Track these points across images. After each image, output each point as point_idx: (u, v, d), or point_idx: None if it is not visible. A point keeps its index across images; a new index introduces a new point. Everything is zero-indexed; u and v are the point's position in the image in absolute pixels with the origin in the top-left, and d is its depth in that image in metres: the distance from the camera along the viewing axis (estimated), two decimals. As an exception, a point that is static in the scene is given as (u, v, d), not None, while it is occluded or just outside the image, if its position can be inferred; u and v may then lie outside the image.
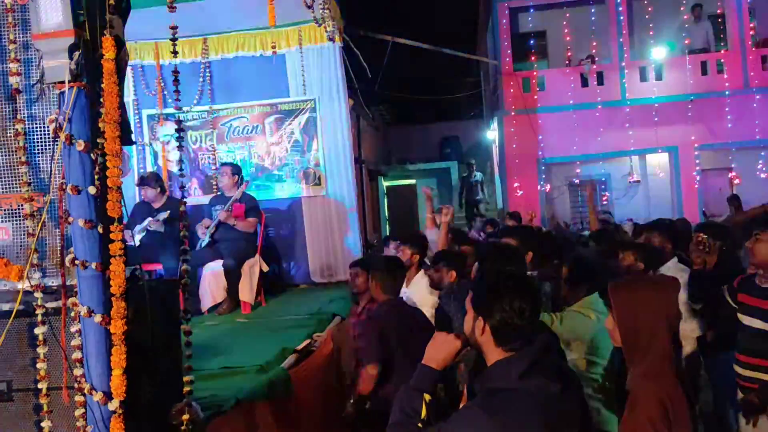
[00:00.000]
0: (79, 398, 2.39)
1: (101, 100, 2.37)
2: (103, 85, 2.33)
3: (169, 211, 6.39)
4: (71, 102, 2.29)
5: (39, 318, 2.41)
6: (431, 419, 2.02)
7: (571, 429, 1.96)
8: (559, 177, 16.01)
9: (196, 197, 8.00)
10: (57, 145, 2.36)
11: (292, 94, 8.06)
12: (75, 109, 2.31)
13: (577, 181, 15.62)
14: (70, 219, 2.34)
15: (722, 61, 14.80)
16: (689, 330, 4.38)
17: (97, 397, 2.28)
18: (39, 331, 2.40)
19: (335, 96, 7.92)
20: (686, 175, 14.81)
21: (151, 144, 8.22)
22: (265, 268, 6.71)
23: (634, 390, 2.18)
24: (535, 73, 15.49)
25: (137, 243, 6.36)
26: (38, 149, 2.58)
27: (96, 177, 2.35)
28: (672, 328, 2.17)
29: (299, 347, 4.61)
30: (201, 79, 8.07)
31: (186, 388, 2.84)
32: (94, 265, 2.32)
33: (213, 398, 3.25)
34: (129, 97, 7.91)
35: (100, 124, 2.37)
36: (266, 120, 8.12)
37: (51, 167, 2.46)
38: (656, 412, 2.07)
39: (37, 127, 2.59)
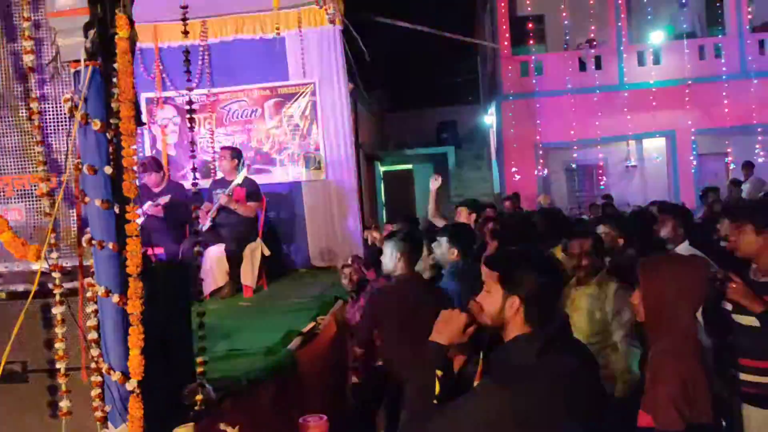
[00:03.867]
0: (95, 378, 2.39)
1: (114, 79, 2.35)
2: (116, 65, 2.31)
3: (170, 195, 6.37)
4: (87, 81, 2.27)
5: (57, 298, 2.40)
6: (446, 395, 2.02)
7: (590, 403, 1.97)
8: (556, 161, 16.03)
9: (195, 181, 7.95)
10: (72, 124, 2.34)
11: (292, 78, 7.99)
12: (91, 88, 2.29)
13: (574, 165, 15.62)
14: (86, 199, 2.33)
15: (720, 45, 14.79)
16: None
17: (116, 376, 2.28)
18: (57, 311, 2.39)
19: (335, 80, 7.87)
20: (683, 160, 14.86)
21: (149, 128, 8.18)
22: (267, 252, 6.69)
23: (655, 366, 2.20)
24: (533, 57, 15.44)
25: (138, 227, 6.32)
26: (50, 129, 2.57)
27: (111, 157, 2.34)
28: (696, 308, 2.18)
29: (304, 330, 4.63)
30: (200, 62, 8.00)
31: (199, 369, 2.85)
32: (110, 245, 2.31)
33: (223, 380, 3.26)
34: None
35: (114, 104, 2.35)
36: (266, 103, 8.08)
37: (66, 146, 2.44)
38: (677, 390, 2.09)
39: (49, 107, 2.57)
